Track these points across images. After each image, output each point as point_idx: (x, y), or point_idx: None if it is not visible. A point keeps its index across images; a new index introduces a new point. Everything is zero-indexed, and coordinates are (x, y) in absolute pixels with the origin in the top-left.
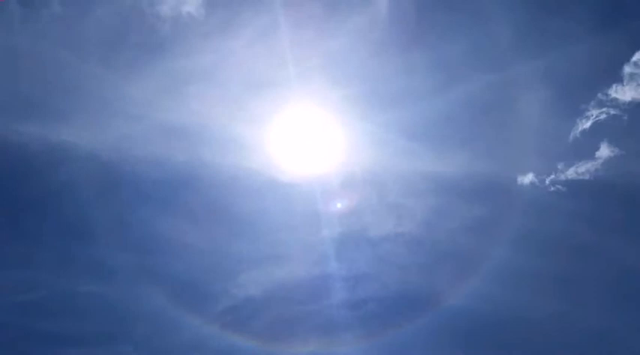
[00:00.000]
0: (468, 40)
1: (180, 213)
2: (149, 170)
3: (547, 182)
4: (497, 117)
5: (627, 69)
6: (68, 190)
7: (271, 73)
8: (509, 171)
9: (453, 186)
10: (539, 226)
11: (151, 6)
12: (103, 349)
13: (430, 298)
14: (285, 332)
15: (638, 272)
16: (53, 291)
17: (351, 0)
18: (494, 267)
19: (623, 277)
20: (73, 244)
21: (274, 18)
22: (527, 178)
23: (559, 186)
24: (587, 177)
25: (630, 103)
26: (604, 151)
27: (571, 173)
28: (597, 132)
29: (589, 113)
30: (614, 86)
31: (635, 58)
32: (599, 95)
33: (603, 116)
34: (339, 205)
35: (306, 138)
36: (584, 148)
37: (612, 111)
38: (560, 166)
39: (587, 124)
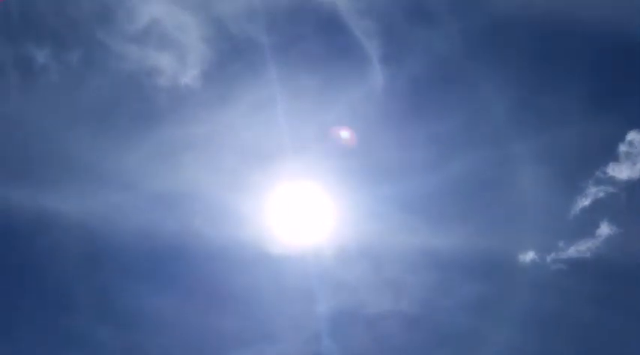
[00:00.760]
0: (464, 116)
1: (167, 286)
2: (137, 241)
3: (548, 260)
4: (495, 194)
5: (622, 147)
6: (52, 259)
7: (266, 144)
8: (509, 248)
9: (452, 262)
10: (542, 305)
11: (149, 77)
12: None
13: None
14: None
15: None
16: None
17: (348, 74)
18: (495, 348)
19: None
20: (55, 315)
21: (270, 90)
22: (529, 256)
23: (561, 265)
24: (588, 255)
25: (627, 182)
26: (604, 229)
27: (572, 251)
28: (597, 210)
29: (588, 191)
30: (611, 164)
31: (629, 137)
32: (597, 173)
33: (602, 194)
34: (333, 280)
35: (301, 211)
36: (585, 226)
37: (611, 189)
38: (560, 244)
39: (587, 202)
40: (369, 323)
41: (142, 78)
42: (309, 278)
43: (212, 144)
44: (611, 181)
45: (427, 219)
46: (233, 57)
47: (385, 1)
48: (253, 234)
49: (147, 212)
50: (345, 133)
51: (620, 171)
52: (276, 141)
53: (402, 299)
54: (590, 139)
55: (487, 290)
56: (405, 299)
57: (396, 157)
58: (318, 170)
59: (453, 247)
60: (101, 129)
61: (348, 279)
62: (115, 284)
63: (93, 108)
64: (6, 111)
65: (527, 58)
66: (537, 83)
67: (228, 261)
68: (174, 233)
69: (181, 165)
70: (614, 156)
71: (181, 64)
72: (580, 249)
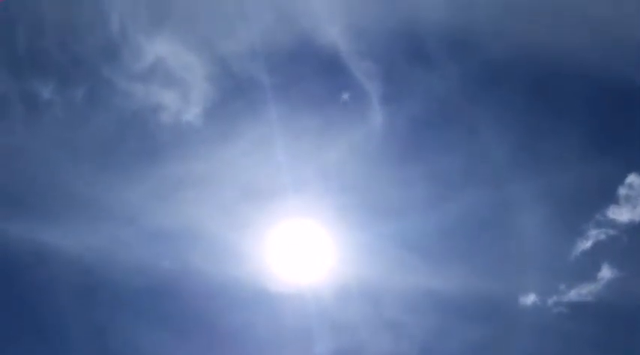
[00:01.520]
0: (463, 157)
1: (163, 323)
2: (134, 276)
3: (550, 303)
4: (495, 235)
5: (622, 190)
6: (47, 294)
7: (266, 182)
8: (509, 291)
9: (452, 303)
10: (543, 349)
11: (153, 114)
12: None
13: None
14: None
15: None
16: None
17: (347, 114)
18: None
19: None
20: (50, 350)
21: (271, 129)
22: (529, 299)
23: (562, 308)
24: (589, 298)
25: (628, 224)
26: (605, 272)
27: (573, 294)
28: (598, 253)
29: (588, 233)
30: (611, 207)
31: (628, 180)
32: (597, 216)
33: (603, 237)
34: (332, 320)
35: (300, 249)
36: (586, 269)
37: (611, 232)
38: (562, 287)
39: (588, 244)
40: None
41: (146, 115)
42: (308, 317)
43: (212, 181)
44: (612, 224)
45: (426, 259)
46: (235, 95)
47: (385, 43)
48: (252, 272)
49: (146, 248)
50: (344, 171)
51: (621, 214)
52: (276, 179)
53: (401, 342)
54: (589, 182)
55: (487, 333)
56: (404, 342)
57: (396, 196)
58: (318, 208)
59: (453, 288)
60: (103, 165)
61: (346, 319)
62: (111, 320)
63: (96, 144)
64: (9, 145)
65: (526, 101)
66: (536, 125)
67: (227, 299)
68: (172, 269)
69: (182, 201)
70: (614, 199)
71: (184, 102)
72: (581, 292)
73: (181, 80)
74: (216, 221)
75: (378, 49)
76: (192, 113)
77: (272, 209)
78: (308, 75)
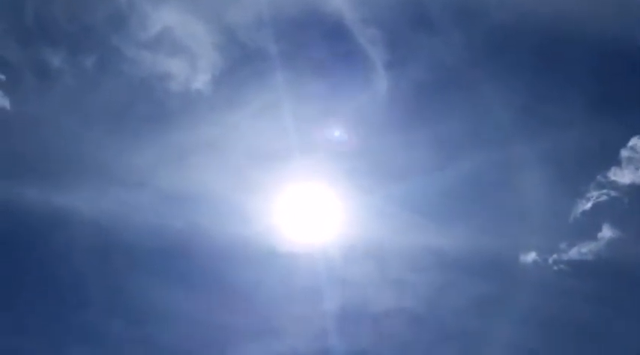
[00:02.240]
0: (467, 120)
1: (176, 281)
2: (147, 237)
3: (550, 261)
4: (498, 195)
5: (624, 153)
6: (64, 255)
7: (274, 145)
8: (511, 249)
9: (456, 261)
10: (543, 306)
11: (161, 81)
12: None
13: None
14: None
15: None
16: None
17: (353, 79)
18: (497, 346)
19: None
20: (66, 310)
21: (278, 95)
22: (530, 257)
23: (562, 266)
24: (590, 257)
25: (630, 186)
26: (606, 232)
27: (574, 253)
28: (598, 214)
29: (589, 194)
30: (612, 169)
31: (631, 143)
32: (599, 177)
33: (604, 198)
34: (340, 278)
35: (308, 210)
36: (586, 229)
37: (612, 194)
38: (562, 246)
39: (588, 205)
40: (375, 321)
41: (154, 82)
42: (316, 276)
43: (221, 146)
44: (613, 185)
45: (431, 219)
46: (242, 63)
47: (389, 10)
48: (261, 232)
49: (158, 210)
50: (350, 136)
51: (623, 176)
52: (284, 144)
53: (406, 298)
54: (592, 144)
55: (489, 290)
56: (409, 298)
57: (401, 159)
58: (325, 171)
59: (457, 247)
60: (114, 131)
61: (354, 277)
62: (125, 280)
63: (106, 111)
64: (22, 113)
65: (530, 64)
66: (540, 88)
67: (237, 258)
68: (183, 230)
69: (191, 165)
70: (616, 161)
71: (192, 70)
72: (582, 250)
73: (189, 48)
74: (225, 184)
75: (383, 16)
76: (201, 81)
77: (280, 172)
78: (313, 42)
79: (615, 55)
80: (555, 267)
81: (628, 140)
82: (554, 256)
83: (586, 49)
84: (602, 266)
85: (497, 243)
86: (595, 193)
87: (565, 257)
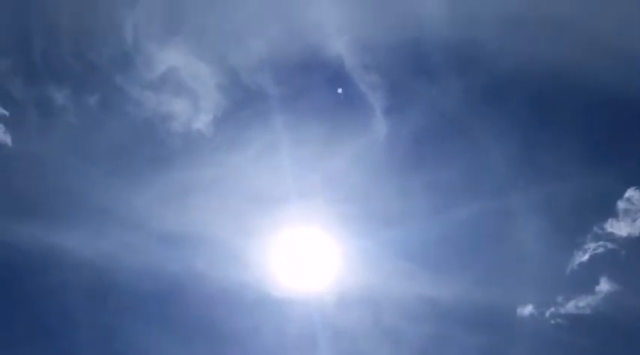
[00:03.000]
0: (464, 168)
1: (169, 326)
2: (141, 280)
3: (547, 315)
4: (494, 245)
5: (621, 204)
6: (58, 295)
7: (272, 189)
8: (508, 301)
9: (451, 312)
10: None
11: (163, 121)
12: None
13: None
14: None
15: None
16: None
17: (351, 124)
18: None
19: None
20: (57, 352)
21: (278, 138)
22: (527, 310)
23: (559, 320)
24: (587, 311)
25: (627, 238)
26: (604, 286)
27: (571, 307)
28: (596, 266)
29: (586, 246)
30: (609, 220)
31: (627, 194)
32: (595, 229)
33: (601, 250)
34: (334, 326)
35: (304, 256)
36: (583, 282)
37: (609, 246)
38: (559, 299)
39: (585, 257)
40: None
41: (157, 122)
42: (310, 323)
43: (220, 187)
44: (610, 237)
45: (426, 267)
46: (244, 105)
47: (390, 56)
48: (257, 277)
49: (154, 252)
50: (347, 180)
51: (619, 228)
52: (282, 187)
53: (400, 349)
54: (588, 195)
55: (485, 343)
56: (403, 349)
57: (397, 205)
58: (321, 216)
59: (452, 297)
60: (114, 171)
61: (347, 325)
62: (119, 323)
63: (108, 150)
64: (23, 149)
65: (527, 114)
66: (537, 138)
67: (231, 303)
68: (179, 273)
69: (189, 207)
70: (613, 213)
71: (195, 110)
72: (579, 304)
73: (192, 89)
74: (222, 227)
75: (383, 63)
76: (202, 121)
77: (277, 216)
78: (314, 86)
79: (612, 106)
80: (553, 321)
81: (624, 191)
82: (552, 309)
83: (583, 100)
84: (600, 320)
85: (493, 294)
86: (592, 245)
87: (562, 310)
